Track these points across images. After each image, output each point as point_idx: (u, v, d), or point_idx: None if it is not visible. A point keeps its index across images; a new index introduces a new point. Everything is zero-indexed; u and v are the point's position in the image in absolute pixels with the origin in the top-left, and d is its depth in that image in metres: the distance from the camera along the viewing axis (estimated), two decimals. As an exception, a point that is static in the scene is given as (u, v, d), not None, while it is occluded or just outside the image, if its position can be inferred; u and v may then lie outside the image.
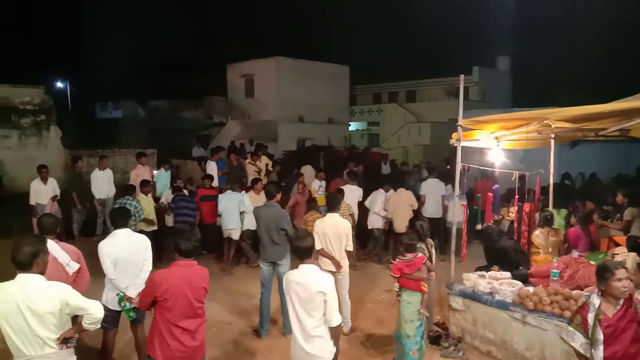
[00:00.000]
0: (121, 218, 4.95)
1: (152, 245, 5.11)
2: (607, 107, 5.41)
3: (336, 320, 3.87)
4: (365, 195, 9.82)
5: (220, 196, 9.10)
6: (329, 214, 6.34)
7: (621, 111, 5.45)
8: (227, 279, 8.57)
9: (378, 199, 9.62)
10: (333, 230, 6.14)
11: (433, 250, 5.99)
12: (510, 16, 32.49)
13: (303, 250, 4.03)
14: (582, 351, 3.60)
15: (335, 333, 3.91)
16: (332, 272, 6.19)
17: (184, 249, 3.82)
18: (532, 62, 34.41)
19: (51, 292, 3.30)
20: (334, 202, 6.44)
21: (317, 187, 10.94)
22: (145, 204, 8.58)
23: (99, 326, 3.54)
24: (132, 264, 4.80)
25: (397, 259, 5.26)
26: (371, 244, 10.02)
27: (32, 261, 3.30)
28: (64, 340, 3.36)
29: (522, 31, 33.54)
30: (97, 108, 36.53)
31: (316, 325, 3.83)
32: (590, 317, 3.56)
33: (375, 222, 9.72)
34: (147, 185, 8.93)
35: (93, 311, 3.40)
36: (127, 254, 4.77)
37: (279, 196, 6.55)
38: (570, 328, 3.70)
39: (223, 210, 8.91)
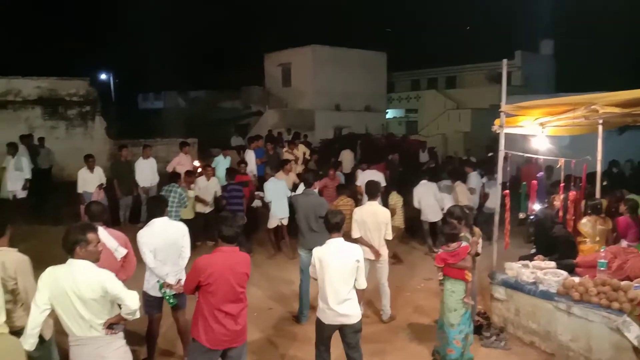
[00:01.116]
0: (158, 207, 5.02)
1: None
2: (659, 91, 5.16)
3: (364, 284, 4.51)
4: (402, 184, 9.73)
5: (266, 184, 9.15)
6: (368, 202, 6.33)
7: (676, 94, 5.20)
8: (267, 265, 8.69)
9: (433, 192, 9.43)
10: (372, 219, 6.13)
11: (480, 241, 5.90)
12: (555, -3, 31.22)
13: (335, 225, 4.46)
14: (636, 343, 3.45)
15: (361, 295, 4.56)
16: (371, 261, 6.22)
17: (226, 235, 3.92)
18: (577, 45, 33.01)
19: (93, 279, 3.42)
20: (373, 190, 6.41)
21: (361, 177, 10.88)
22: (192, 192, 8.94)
23: (137, 316, 3.63)
24: (170, 252, 4.90)
25: (440, 249, 5.22)
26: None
27: (72, 248, 3.45)
28: (109, 326, 3.49)
29: (566, 13, 32.21)
30: (139, 99, 37.41)
31: (349, 290, 4.34)
32: None
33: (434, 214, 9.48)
34: (192, 176, 9.20)
35: (129, 302, 3.49)
36: (166, 242, 4.86)
37: (317, 184, 6.59)
38: (628, 318, 3.54)
39: (272, 198, 8.95)
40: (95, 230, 3.63)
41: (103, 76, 35.84)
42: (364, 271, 4.38)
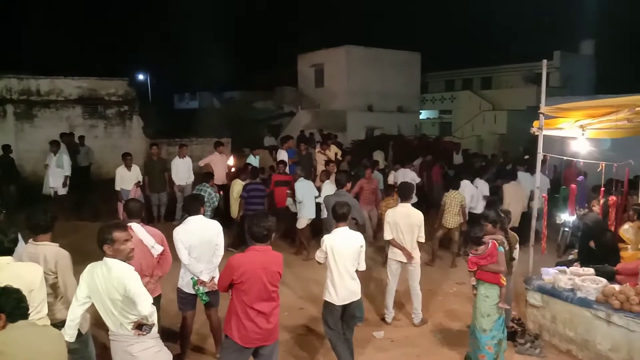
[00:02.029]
0: (193, 205, 5.08)
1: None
2: None
3: (364, 266, 5.07)
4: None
5: (296, 184, 9.19)
6: (401, 204, 6.27)
7: None
8: (298, 266, 8.73)
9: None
10: (405, 221, 6.07)
11: (518, 246, 5.77)
12: (596, -4, 30.29)
13: (342, 215, 5.02)
14: None
15: (359, 275, 5.07)
16: (403, 263, 6.17)
17: (257, 234, 3.95)
18: (618, 46, 31.90)
19: (118, 278, 3.48)
20: (406, 192, 6.36)
21: (393, 179, 10.84)
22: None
23: (152, 322, 3.55)
24: (205, 250, 4.96)
25: (470, 254, 5.14)
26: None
27: (101, 247, 3.54)
28: (138, 326, 3.53)
29: (607, 13, 31.20)
30: (175, 99, 38.15)
31: (354, 271, 4.95)
32: None
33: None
34: (245, 172, 9.44)
35: (140, 307, 3.44)
36: (200, 240, 4.92)
37: (349, 185, 6.58)
38: None
39: (302, 198, 8.98)
40: (123, 228, 3.67)
41: (141, 77, 36.73)
42: (364, 255, 5.01)
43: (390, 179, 10.91)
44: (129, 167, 10.35)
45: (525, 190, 9.10)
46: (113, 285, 3.48)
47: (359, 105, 25.07)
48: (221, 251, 5.10)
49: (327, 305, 4.98)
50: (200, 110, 31.29)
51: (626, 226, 6.89)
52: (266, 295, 3.93)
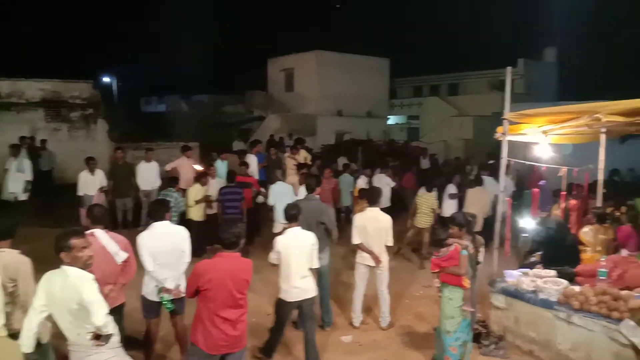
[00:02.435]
0: (159, 211, 4.99)
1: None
2: (662, 100, 5.17)
3: (317, 263, 5.26)
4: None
5: (273, 187, 9.12)
6: (369, 208, 6.32)
7: (678, 104, 5.20)
8: (268, 271, 8.65)
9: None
10: (374, 225, 6.12)
11: (482, 249, 5.87)
12: (557, 5, 31.30)
13: (292, 216, 5.25)
14: None
15: (314, 273, 5.26)
16: (370, 267, 6.21)
17: (226, 241, 3.91)
18: (580, 54, 33.04)
19: (74, 287, 3.40)
20: (374, 196, 6.41)
21: (364, 183, 10.93)
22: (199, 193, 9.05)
23: (108, 332, 3.45)
24: (170, 256, 4.87)
25: (433, 255, 5.22)
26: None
27: (58, 254, 3.46)
28: (96, 337, 3.44)
29: (569, 21, 32.26)
30: (141, 102, 37.51)
31: (307, 268, 5.13)
32: None
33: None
34: (205, 177, 9.33)
35: (94, 318, 3.36)
36: (166, 246, 4.83)
37: (319, 190, 6.58)
38: (632, 323, 3.52)
39: (277, 202, 8.92)
40: (80, 235, 3.58)
41: (106, 79, 35.98)
42: (317, 253, 5.22)
43: (360, 183, 10.99)
44: (92, 171, 10.12)
45: (489, 195, 9.31)
46: (69, 293, 3.39)
47: (328, 109, 25.17)
48: (187, 258, 5.01)
49: (279, 301, 5.22)
50: (167, 113, 30.87)
51: (586, 229, 7.12)
52: (233, 302, 3.89)
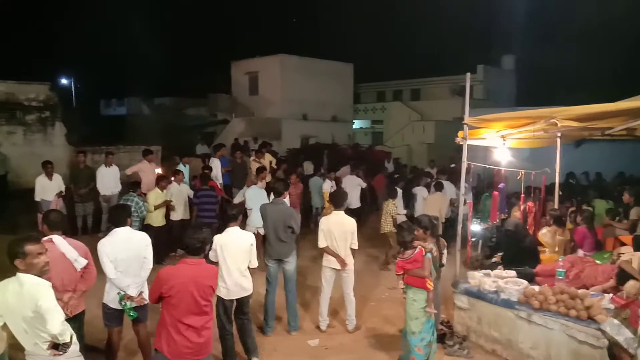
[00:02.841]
0: (120, 216, 4.88)
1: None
2: (614, 106, 5.39)
3: (255, 263, 5.36)
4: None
5: (248, 191, 9.02)
6: (334, 212, 6.34)
7: (628, 110, 5.43)
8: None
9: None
10: (339, 228, 6.14)
11: (445, 251, 5.97)
12: (515, 14, 32.36)
13: (232, 216, 5.40)
14: (626, 346, 3.52)
15: (251, 273, 5.40)
16: (336, 270, 6.23)
17: (190, 246, 3.84)
18: (536, 61, 34.25)
19: (29, 295, 3.29)
20: (339, 200, 6.44)
21: (329, 187, 10.98)
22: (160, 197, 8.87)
23: (63, 341, 3.35)
24: (132, 263, 4.77)
25: (398, 258, 5.29)
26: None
27: (12, 261, 3.33)
28: (54, 346, 3.33)
29: (526, 29, 33.42)
30: (101, 105, 36.57)
31: (246, 268, 5.27)
32: None
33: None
34: (164, 180, 9.16)
35: (49, 325, 3.26)
36: (128, 252, 4.73)
37: (286, 194, 6.58)
38: (616, 321, 3.62)
39: (253, 206, 8.85)
40: (35, 241, 3.46)
41: (64, 81, 34.92)
42: (256, 252, 5.34)
43: (326, 187, 11.05)
44: (50, 176, 9.79)
45: (447, 199, 9.53)
46: (25, 301, 3.27)
47: (294, 113, 25.18)
48: (150, 264, 4.90)
49: (219, 299, 5.26)
50: (128, 116, 30.22)
51: (544, 230, 7.37)
52: (197, 309, 3.81)
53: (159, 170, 11.21)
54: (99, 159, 11.59)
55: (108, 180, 10.69)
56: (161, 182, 9.12)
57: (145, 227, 8.43)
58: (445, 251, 5.99)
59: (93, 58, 35.55)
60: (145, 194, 9.14)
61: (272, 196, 8.80)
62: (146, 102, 31.09)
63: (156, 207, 8.81)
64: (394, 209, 9.05)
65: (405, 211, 9.57)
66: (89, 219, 10.72)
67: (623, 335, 3.53)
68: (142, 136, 19.83)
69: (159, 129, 22.32)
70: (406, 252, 5.17)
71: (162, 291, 3.73)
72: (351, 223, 6.25)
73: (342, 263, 6.17)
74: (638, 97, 6.03)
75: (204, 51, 37.96)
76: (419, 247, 5.18)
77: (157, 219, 8.88)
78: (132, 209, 7.74)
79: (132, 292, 4.72)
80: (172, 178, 9.53)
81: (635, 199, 7.93)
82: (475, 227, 6.72)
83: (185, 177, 10.61)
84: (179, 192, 9.35)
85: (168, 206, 9.11)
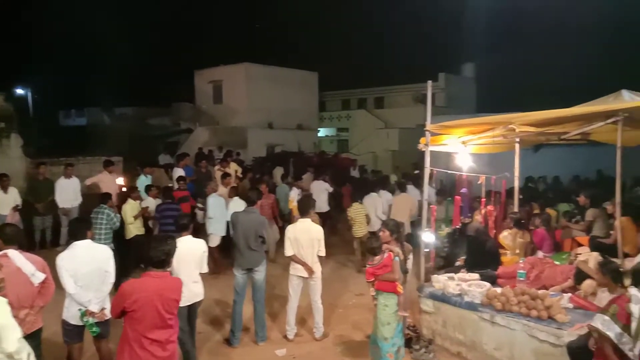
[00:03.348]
0: (80, 229, 4.76)
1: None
2: (568, 112, 5.60)
3: (206, 268, 5.43)
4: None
5: (209, 199, 8.92)
6: (300, 219, 6.34)
7: (582, 115, 5.66)
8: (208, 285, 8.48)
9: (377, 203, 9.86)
10: (306, 236, 6.14)
11: (410, 256, 6.04)
12: (475, 23, 33.28)
13: (183, 225, 5.42)
14: (616, 341, 3.62)
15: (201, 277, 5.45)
16: (304, 278, 6.22)
17: (154, 259, 3.76)
18: (495, 69, 35.31)
19: None
20: (306, 207, 6.45)
21: (297, 195, 11.01)
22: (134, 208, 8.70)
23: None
24: (93, 277, 4.64)
25: (367, 265, 5.32)
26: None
27: None
28: None
29: (486, 38, 34.42)
30: (60, 115, 35.57)
31: (198, 274, 5.34)
32: (635, 308, 3.58)
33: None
34: (136, 191, 9.02)
35: (5, 343, 3.14)
36: (88, 266, 4.60)
37: (259, 203, 6.56)
38: (606, 317, 3.72)
39: (214, 215, 8.73)
40: None
41: (20, 91, 33.78)
42: (206, 258, 5.40)
43: (293, 195, 11.06)
44: (5, 189, 9.44)
45: (413, 200, 9.68)
46: None
47: (259, 122, 25.09)
48: (112, 278, 4.78)
49: None
50: (88, 127, 29.47)
51: (505, 233, 7.56)
52: (162, 323, 3.73)
53: (120, 181, 10.97)
54: (58, 171, 11.23)
55: (67, 193, 10.39)
56: (132, 193, 8.96)
57: (125, 240, 8.36)
58: (410, 256, 6.07)
59: (51, 67, 34.54)
60: (118, 207, 8.94)
61: (230, 204, 8.94)
62: (107, 112, 30.39)
63: (135, 218, 8.69)
64: (366, 211, 9.38)
65: (384, 217, 9.61)
66: (48, 233, 10.39)
67: (613, 331, 3.65)
68: (103, 147, 19.33)
69: (120, 139, 21.83)
70: (375, 258, 5.22)
71: (125, 305, 3.63)
72: (318, 230, 6.26)
73: (310, 271, 6.17)
74: (592, 102, 6.30)
75: (167, 60, 37.45)
76: (388, 251, 5.23)
77: (138, 229, 8.72)
78: (104, 221, 7.55)
79: (94, 308, 4.59)
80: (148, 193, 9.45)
81: (591, 201, 8.21)
82: (428, 236, 6.83)
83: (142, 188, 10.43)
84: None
85: (147, 214, 8.97)
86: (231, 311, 6.34)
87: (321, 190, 11.57)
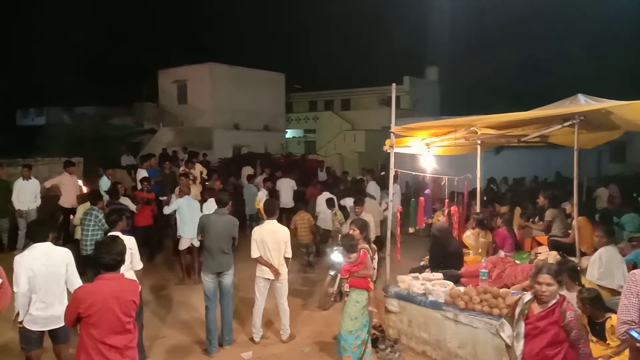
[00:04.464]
0: (40, 231, 4.60)
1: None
2: (527, 115, 5.77)
3: (139, 265, 5.38)
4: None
5: (180, 201, 8.73)
6: (267, 221, 6.30)
7: (540, 118, 5.83)
8: (171, 289, 8.36)
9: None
10: (272, 237, 6.11)
11: (376, 256, 6.11)
12: (439, 28, 33.96)
13: (112, 222, 5.44)
14: (508, 341, 3.78)
15: (138, 275, 5.35)
16: (270, 280, 6.19)
17: (106, 262, 3.64)
18: (458, 73, 36.13)
19: None
20: (272, 209, 6.42)
21: (263, 196, 10.97)
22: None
23: None
24: (52, 281, 4.49)
25: (344, 261, 5.41)
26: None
27: None
28: None
29: (450, 43, 35.16)
30: (17, 115, 34.34)
31: (126, 269, 4.99)
32: (518, 310, 3.74)
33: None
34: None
35: None
36: (47, 270, 4.45)
37: (230, 205, 6.41)
38: (503, 319, 3.89)
39: (184, 217, 8.57)
40: None
41: (-26, 89, 32.43)
42: (137, 254, 5.37)
43: (261, 196, 11.04)
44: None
45: (378, 203, 9.82)
46: None
47: (225, 123, 24.87)
48: (73, 284, 4.63)
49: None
50: (48, 127, 28.56)
51: (468, 233, 7.71)
52: (120, 327, 3.61)
53: (80, 183, 10.69)
54: (15, 172, 10.86)
55: (25, 194, 10.06)
56: (100, 201, 8.64)
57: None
58: (376, 256, 6.13)
59: (8, 66, 33.32)
60: (66, 208, 8.65)
61: (204, 207, 8.81)
62: (67, 111, 29.56)
63: None
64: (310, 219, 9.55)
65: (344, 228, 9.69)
66: (4, 236, 10.03)
67: (506, 332, 3.80)
68: (63, 147, 18.82)
69: (81, 140, 21.27)
70: (352, 255, 5.29)
71: (80, 311, 3.50)
72: (284, 231, 6.24)
73: (276, 273, 6.14)
74: (550, 106, 6.49)
75: (130, 58, 36.63)
76: (362, 249, 5.33)
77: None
78: (92, 223, 7.31)
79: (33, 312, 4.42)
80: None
81: (549, 201, 8.46)
82: (335, 257, 6.85)
83: (105, 189, 10.16)
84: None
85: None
86: (199, 316, 6.20)
87: (288, 188, 12.39)
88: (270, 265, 6.10)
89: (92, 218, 7.32)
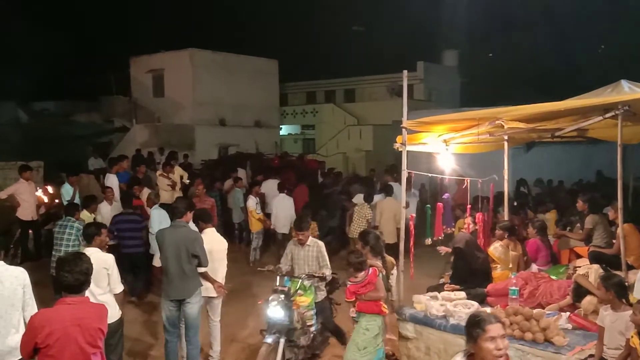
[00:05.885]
0: None
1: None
2: (562, 105, 5.73)
3: (119, 288, 5.37)
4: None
5: (152, 211, 8.75)
6: (207, 230, 6.37)
7: (577, 109, 5.81)
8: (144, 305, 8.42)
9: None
10: (219, 247, 6.31)
11: (395, 272, 6.06)
12: (458, 6, 33.87)
13: (87, 236, 5.49)
14: None
15: (118, 298, 5.40)
16: (207, 298, 6.17)
17: (68, 283, 3.62)
18: (482, 57, 35.93)
19: None
20: (204, 217, 6.51)
21: (254, 204, 10.98)
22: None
23: None
24: (6, 306, 4.40)
25: (348, 282, 5.32)
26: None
27: None
28: None
29: (470, 22, 35.05)
30: (-36, 112, 34.44)
31: (100, 292, 5.12)
32: None
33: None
34: (95, 202, 8.79)
35: None
36: (1, 293, 4.38)
37: (189, 215, 6.13)
38: None
39: (154, 229, 8.53)
40: None
41: None
42: (117, 276, 5.36)
43: (251, 203, 11.06)
44: None
45: (399, 204, 9.85)
46: None
47: (208, 118, 24.89)
48: (29, 309, 4.61)
49: None
50: (0, 126, 28.62)
51: (496, 244, 7.64)
52: (83, 358, 3.60)
53: (40, 192, 10.70)
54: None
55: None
56: (91, 204, 8.68)
57: None
58: (394, 271, 6.09)
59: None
60: (26, 221, 8.66)
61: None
62: (23, 107, 29.57)
63: None
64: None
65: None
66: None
67: None
68: (19, 149, 18.83)
69: (40, 140, 21.28)
70: (359, 274, 5.22)
71: (37, 341, 3.48)
72: (221, 242, 6.44)
73: (220, 289, 6.16)
74: (588, 94, 6.47)
75: (96, 45, 36.69)
76: (372, 267, 5.26)
77: None
78: (72, 236, 7.31)
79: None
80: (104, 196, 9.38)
81: (589, 206, 8.38)
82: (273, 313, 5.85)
83: (68, 198, 10.15)
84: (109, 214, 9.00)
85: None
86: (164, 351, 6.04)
87: (273, 190, 12.25)
88: (214, 281, 6.14)
89: (72, 231, 7.33)
